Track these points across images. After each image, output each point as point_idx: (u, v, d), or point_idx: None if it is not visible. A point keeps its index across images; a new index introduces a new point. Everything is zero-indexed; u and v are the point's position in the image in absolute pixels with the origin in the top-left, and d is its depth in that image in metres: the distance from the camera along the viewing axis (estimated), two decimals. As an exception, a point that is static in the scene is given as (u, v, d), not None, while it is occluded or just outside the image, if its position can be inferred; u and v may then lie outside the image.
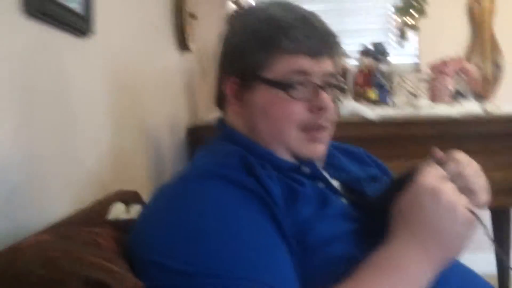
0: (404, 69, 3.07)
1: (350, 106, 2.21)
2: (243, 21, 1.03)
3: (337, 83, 1.05)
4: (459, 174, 0.87)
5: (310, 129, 0.99)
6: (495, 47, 3.15)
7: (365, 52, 2.59)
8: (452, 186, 0.83)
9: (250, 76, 1.00)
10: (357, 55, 2.66)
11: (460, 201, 0.81)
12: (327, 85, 1.00)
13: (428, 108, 2.26)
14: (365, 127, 2.19)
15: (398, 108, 2.30)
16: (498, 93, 3.17)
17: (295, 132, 0.98)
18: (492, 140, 2.28)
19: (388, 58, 2.55)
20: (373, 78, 2.49)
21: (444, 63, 2.57)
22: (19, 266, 0.68)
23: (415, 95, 2.71)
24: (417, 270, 0.80)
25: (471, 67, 2.65)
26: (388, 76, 2.52)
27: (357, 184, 1.03)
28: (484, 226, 0.84)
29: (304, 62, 0.97)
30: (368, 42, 2.70)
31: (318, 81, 0.99)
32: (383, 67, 2.51)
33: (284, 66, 0.97)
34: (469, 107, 2.32)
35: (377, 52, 2.52)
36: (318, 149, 1.01)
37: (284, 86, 0.97)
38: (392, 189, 0.89)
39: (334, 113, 1.03)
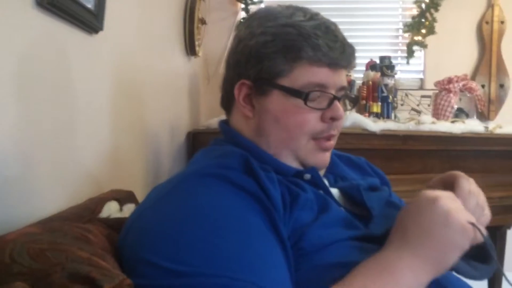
0: (408, 84, 3.07)
1: (353, 118, 2.20)
2: (262, 24, 1.00)
3: (350, 94, 1.06)
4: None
5: (319, 138, 1.00)
6: (501, 68, 3.14)
7: (372, 66, 2.59)
8: (458, 202, 0.83)
9: (267, 81, 0.98)
10: (363, 68, 2.66)
11: (459, 212, 0.80)
12: (341, 97, 1.01)
13: (430, 124, 2.25)
14: (367, 139, 2.19)
15: (400, 122, 2.30)
16: (501, 114, 3.16)
17: (305, 140, 0.99)
18: (491, 159, 2.29)
19: (394, 72, 2.54)
20: (377, 92, 2.49)
21: (449, 80, 2.56)
22: (3, 256, 0.67)
23: (418, 111, 2.71)
24: (407, 275, 0.79)
25: (476, 86, 2.63)
26: (393, 91, 2.52)
27: (357, 192, 1.02)
28: (487, 240, 0.83)
29: (324, 74, 0.97)
30: (375, 56, 2.71)
31: (333, 92, 0.99)
32: (388, 81, 2.51)
33: (303, 76, 0.96)
34: (471, 125, 2.31)
35: (384, 66, 2.52)
36: (325, 158, 1.02)
37: (303, 96, 0.96)
38: None
39: (343, 122, 1.04)
